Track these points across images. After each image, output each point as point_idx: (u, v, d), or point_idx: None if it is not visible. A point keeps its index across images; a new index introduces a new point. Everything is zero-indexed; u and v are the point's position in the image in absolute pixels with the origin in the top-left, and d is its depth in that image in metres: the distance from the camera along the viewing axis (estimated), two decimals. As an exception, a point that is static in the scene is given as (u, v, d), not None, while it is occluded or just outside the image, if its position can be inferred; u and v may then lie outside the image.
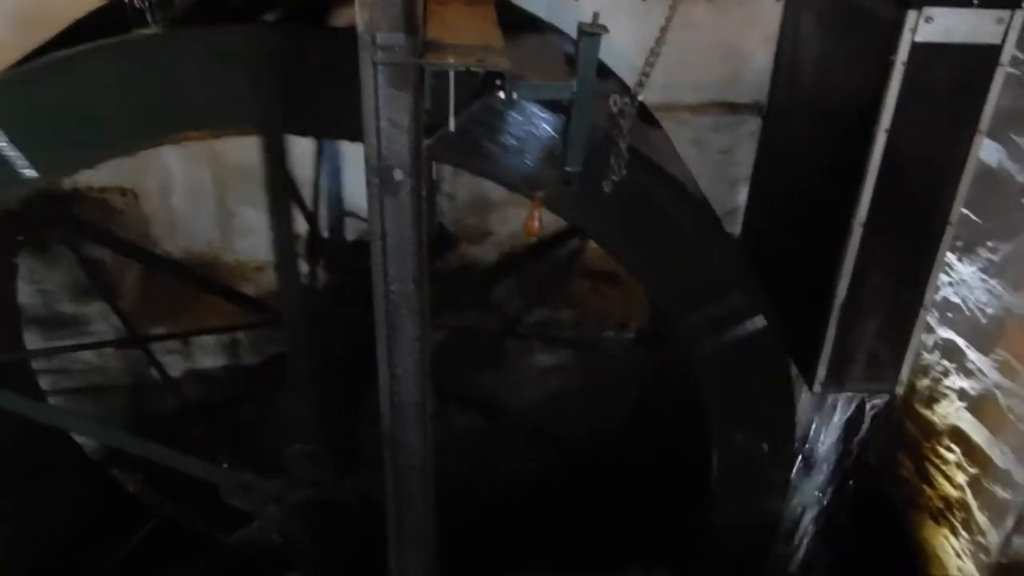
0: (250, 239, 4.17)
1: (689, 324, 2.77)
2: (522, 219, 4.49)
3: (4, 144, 2.33)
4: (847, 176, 2.61)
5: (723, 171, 4.20)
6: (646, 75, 1.94)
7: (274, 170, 2.68)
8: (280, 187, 2.79)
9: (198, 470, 3.02)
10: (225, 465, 2.98)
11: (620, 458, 3.97)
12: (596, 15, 1.91)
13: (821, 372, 2.84)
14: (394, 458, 2.34)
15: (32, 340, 4.03)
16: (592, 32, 1.89)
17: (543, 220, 2.03)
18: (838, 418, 3.20)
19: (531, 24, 2.75)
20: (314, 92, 2.28)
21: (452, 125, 1.85)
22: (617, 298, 4.34)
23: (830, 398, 3.06)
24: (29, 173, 2.37)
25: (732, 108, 4.07)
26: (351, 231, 4.48)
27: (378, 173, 1.98)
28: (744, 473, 3.03)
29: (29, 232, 3.72)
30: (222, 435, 3.78)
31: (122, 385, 4.24)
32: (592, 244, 4.13)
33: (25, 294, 3.94)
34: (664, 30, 1.93)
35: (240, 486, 3.02)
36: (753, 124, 3.99)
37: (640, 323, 4.28)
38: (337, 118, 2.23)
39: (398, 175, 1.97)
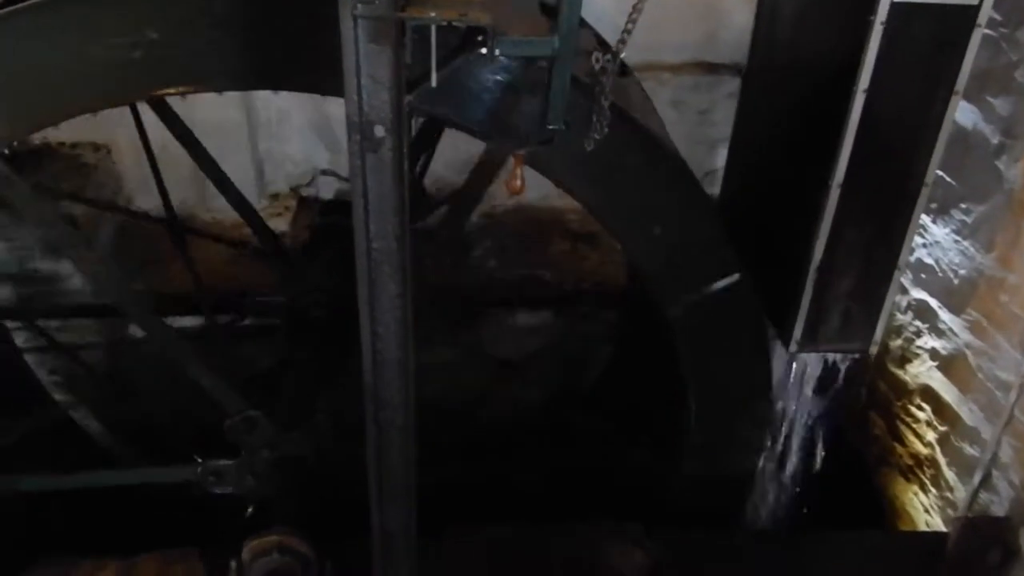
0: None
1: (665, 281, 2.80)
2: (502, 177, 4.52)
3: None
4: (825, 137, 2.63)
5: (702, 132, 4.21)
6: (628, 32, 1.93)
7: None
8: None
9: (169, 476, 3.01)
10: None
11: (594, 415, 4.02)
12: (579, -30, 1.89)
13: (797, 331, 2.89)
14: (376, 415, 2.35)
15: (5, 296, 3.99)
16: (575, -12, 1.87)
17: (525, 178, 2.03)
18: (811, 376, 3.25)
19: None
20: (294, 46, 2.25)
21: (434, 80, 1.83)
22: (595, 258, 4.37)
23: (804, 356, 3.11)
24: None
25: (711, 68, 4.06)
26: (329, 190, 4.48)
27: (359, 130, 1.96)
28: (718, 429, 3.08)
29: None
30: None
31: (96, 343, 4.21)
32: (570, 204, 4.15)
33: (-3, 251, 3.90)
34: (646, -14, 1.91)
35: (212, 473, 2.98)
36: (732, 85, 3.99)
37: (619, 283, 4.31)
38: (317, 73, 2.20)
39: (379, 131, 1.94)
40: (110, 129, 3.83)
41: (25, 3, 2.20)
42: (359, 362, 2.25)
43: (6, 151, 2.46)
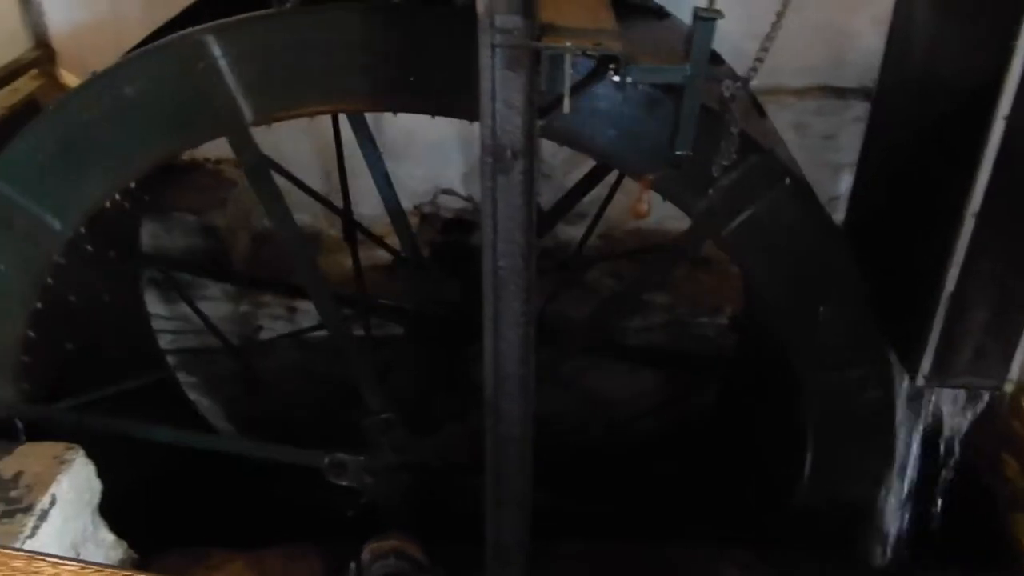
0: (355, 212, 4.32)
1: (786, 307, 2.76)
2: (619, 200, 4.54)
3: None
4: (960, 164, 2.54)
5: (825, 157, 4.13)
6: (760, 60, 1.95)
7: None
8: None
9: (295, 457, 3.17)
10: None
11: (705, 440, 3.98)
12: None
13: (925, 364, 2.78)
14: (495, 428, 2.43)
15: (151, 301, 4.28)
16: (707, 17, 1.91)
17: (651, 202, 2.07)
18: (939, 411, 3.13)
19: (640, 7, 2.76)
20: (431, 70, 2.36)
21: (567, 107, 1.90)
22: (711, 283, 4.34)
23: (932, 390, 3.00)
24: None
25: (838, 92, 3.99)
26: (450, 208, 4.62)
27: (492, 152, 2.05)
28: (838, 459, 3.00)
29: (153, 195, 3.92)
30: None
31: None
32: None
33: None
34: (781, 14, 1.93)
35: (336, 465, 3.14)
36: (859, 109, 3.90)
37: (734, 309, 4.26)
38: (453, 97, 2.30)
39: (511, 155, 2.03)
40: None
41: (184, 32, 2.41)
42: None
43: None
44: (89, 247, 2.85)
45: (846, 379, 2.77)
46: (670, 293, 4.33)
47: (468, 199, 4.57)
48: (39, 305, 2.71)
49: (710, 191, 2.32)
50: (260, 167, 2.67)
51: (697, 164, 2.08)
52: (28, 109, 3.28)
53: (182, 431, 3.40)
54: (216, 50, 2.38)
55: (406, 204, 4.56)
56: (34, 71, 3.42)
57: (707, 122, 2.04)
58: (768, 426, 3.43)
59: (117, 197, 2.76)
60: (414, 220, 4.56)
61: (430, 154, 4.41)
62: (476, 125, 2.03)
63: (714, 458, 3.76)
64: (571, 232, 4.41)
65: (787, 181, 2.44)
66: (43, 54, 3.50)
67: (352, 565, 2.85)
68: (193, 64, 2.40)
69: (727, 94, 1.96)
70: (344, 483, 3.11)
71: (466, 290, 3.68)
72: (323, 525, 3.09)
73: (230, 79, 2.41)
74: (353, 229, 3.88)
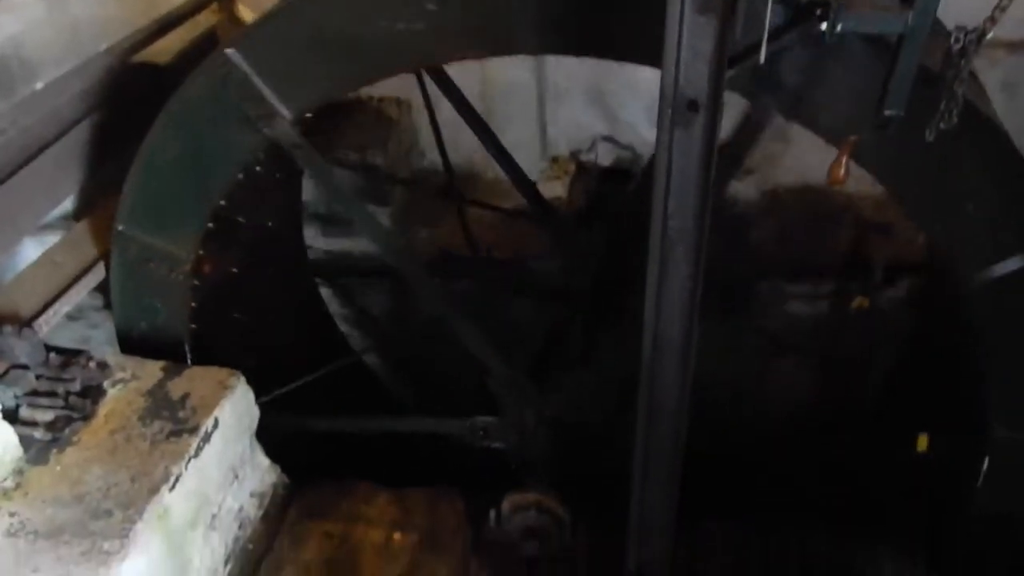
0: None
1: (982, 285, 2.44)
2: (787, 158, 4.25)
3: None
4: None
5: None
6: (1003, 8, 1.68)
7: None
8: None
9: (441, 428, 3.16)
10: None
11: (875, 426, 3.70)
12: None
13: None
14: (649, 397, 2.31)
15: (310, 235, 4.40)
16: (938, -42, 1.66)
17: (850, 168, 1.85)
18: None
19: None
20: (608, 12, 2.20)
21: (763, 56, 1.71)
22: (888, 250, 4.00)
23: None
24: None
25: (1060, 47, 3.53)
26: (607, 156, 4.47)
27: (672, 103, 1.89)
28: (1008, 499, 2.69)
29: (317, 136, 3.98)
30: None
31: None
32: (863, 190, 3.82)
33: (308, 192, 4.28)
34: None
35: (480, 429, 3.15)
36: (1085, 66, 3.44)
37: (912, 280, 3.92)
38: (632, 40, 2.14)
39: (694, 106, 1.87)
40: (412, 86, 4.06)
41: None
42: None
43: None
44: (259, 168, 2.88)
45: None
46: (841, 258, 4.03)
47: (628, 147, 4.40)
48: (221, 204, 2.75)
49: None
50: None
51: (905, 128, 1.83)
52: (207, 42, 3.37)
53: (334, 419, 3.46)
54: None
55: (563, 150, 4.47)
56: (215, 5, 3.52)
57: (923, 80, 1.79)
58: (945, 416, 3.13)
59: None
60: (571, 167, 4.46)
61: (592, 100, 4.27)
62: (646, 72, 1.87)
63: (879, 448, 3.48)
64: (735, 188, 4.18)
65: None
66: (224, -9, 3.59)
67: (492, 513, 2.84)
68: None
69: (956, 47, 1.71)
70: (491, 445, 3.13)
71: (620, 243, 3.55)
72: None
73: None
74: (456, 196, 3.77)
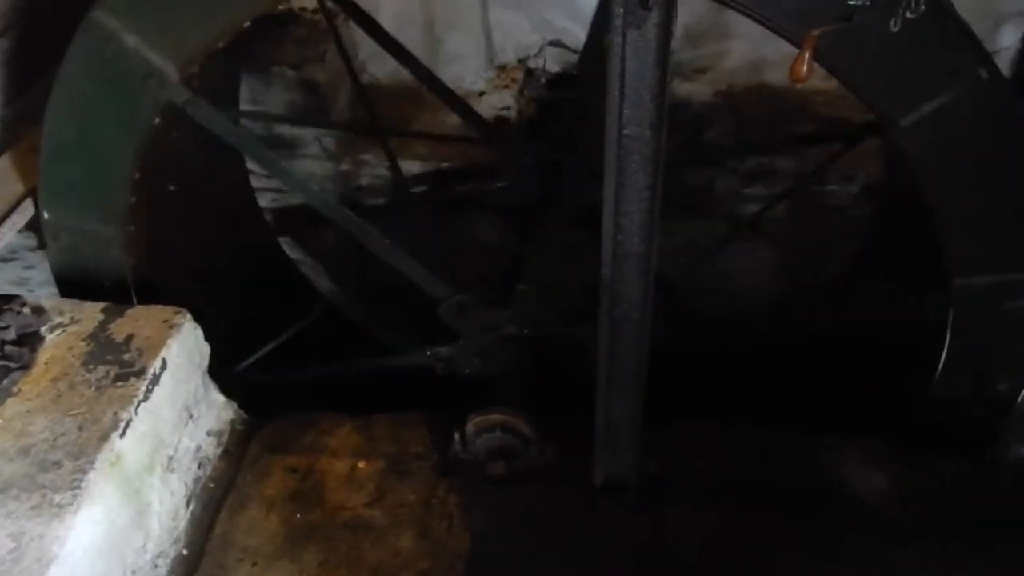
0: (456, 66, 4.08)
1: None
2: (741, 52, 4.13)
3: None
4: None
5: (987, 5, 3.61)
6: None
7: None
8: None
9: (405, 362, 3.11)
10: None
11: (835, 317, 3.72)
12: None
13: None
14: (611, 309, 2.26)
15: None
16: None
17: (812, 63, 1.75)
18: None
19: None
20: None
21: (718, -54, 1.59)
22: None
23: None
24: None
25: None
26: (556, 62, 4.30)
27: (624, 3, 1.78)
28: (981, 343, 2.70)
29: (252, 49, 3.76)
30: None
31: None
32: (818, 86, 3.73)
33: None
34: None
35: (440, 359, 3.14)
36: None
37: (869, 177, 3.89)
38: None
39: (646, 5, 1.76)
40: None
41: None
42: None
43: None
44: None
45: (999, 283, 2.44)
46: (795, 157, 3.97)
47: (577, 51, 4.23)
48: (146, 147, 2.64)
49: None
50: None
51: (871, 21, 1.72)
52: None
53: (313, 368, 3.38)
54: None
55: (510, 57, 4.28)
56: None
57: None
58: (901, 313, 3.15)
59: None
60: (519, 75, 4.29)
61: (539, 2, 4.08)
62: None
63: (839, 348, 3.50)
64: (688, 88, 4.06)
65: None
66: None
67: (456, 436, 2.81)
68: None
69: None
70: (455, 372, 3.15)
71: (573, 153, 3.43)
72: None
73: None
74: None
